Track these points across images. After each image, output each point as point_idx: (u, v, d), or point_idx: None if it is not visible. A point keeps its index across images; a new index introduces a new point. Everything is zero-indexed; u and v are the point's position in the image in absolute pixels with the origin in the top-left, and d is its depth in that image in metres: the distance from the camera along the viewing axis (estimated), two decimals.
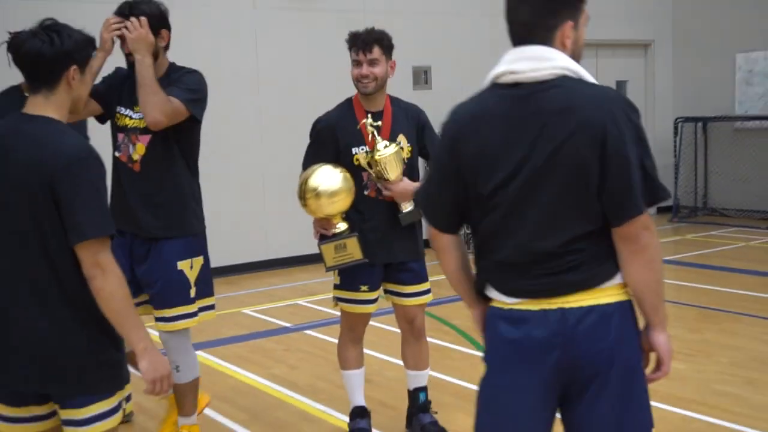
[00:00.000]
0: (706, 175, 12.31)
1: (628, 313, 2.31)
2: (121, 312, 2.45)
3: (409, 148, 4.14)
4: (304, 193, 3.90)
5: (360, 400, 4.33)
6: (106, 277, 2.42)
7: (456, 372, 5.43)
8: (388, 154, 3.96)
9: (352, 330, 4.31)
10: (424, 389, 4.39)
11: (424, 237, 3.77)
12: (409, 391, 4.44)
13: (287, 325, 6.89)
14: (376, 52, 4.01)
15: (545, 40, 2.31)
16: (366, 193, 4.07)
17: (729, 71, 11.86)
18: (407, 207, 4.08)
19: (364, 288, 4.13)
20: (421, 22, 10.31)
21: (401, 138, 4.12)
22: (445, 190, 2.40)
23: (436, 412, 4.47)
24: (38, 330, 2.48)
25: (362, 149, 4.04)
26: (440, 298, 7.69)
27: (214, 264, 9.14)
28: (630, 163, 2.21)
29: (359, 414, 4.31)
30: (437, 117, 11.48)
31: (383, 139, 4.03)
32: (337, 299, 4.24)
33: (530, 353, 2.27)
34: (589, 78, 2.29)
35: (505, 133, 2.28)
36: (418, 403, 4.38)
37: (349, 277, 4.13)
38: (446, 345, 6.11)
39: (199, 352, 6.11)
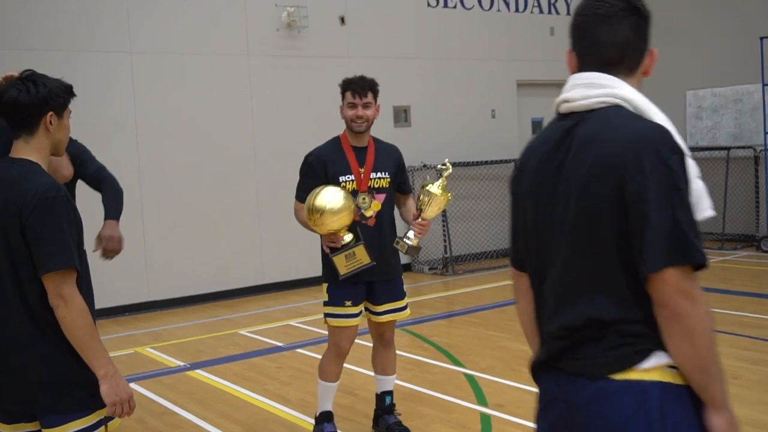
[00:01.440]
0: None
1: (669, 395, 1.78)
2: (82, 339, 2.45)
3: (388, 180, 4.30)
4: (311, 214, 3.97)
5: (328, 406, 4.42)
6: (68, 307, 2.43)
7: (434, 386, 5.41)
8: (438, 193, 4.15)
9: (338, 346, 4.35)
10: (390, 393, 4.52)
11: None
12: (376, 395, 4.56)
13: (280, 344, 6.85)
14: (369, 96, 4.24)
15: (615, 66, 1.91)
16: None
17: (680, 107, 11.98)
18: (414, 241, 4.20)
19: (348, 303, 4.25)
20: (401, 66, 10.38)
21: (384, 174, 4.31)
22: (514, 222, 2.06)
23: (400, 414, 4.58)
24: (19, 354, 2.49)
25: (349, 178, 4.18)
26: (420, 317, 7.71)
27: (215, 289, 9.20)
28: (647, 212, 1.71)
29: (326, 418, 4.41)
30: (416, 152, 11.63)
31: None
32: (327, 315, 4.31)
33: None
34: (650, 111, 1.89)
35: (542, 170, 1.91)
36: (384, 405, 4.52)
37: (336, 295, 4.25)
38: (426, 360, 6.09)
39: (198, 371, 6.11)
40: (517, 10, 11.56)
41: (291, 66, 9.38)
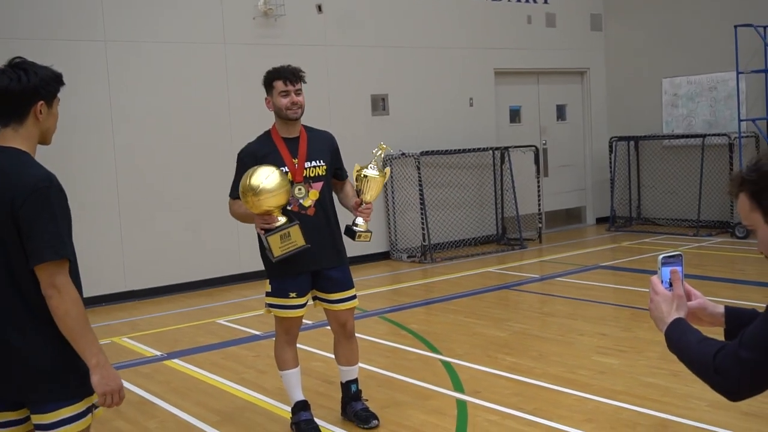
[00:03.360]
0: (639, 188, 12.48)
1: None
2: (74, 329, 2.45)
3: (324, 168, 4.31)
4: (245, 192, 3.95)
5: (300, 396, 4.43)
6: (61, 297, 2.42)
7: (411, 372, 5.44)
8: (373, 175, 4.17)
9: (287, 333, 4.40)
10: (355, 381, 4.56)
11: None
12: (342, 384, 4.58)
13: (257, 333, 6.85)
14: (299, 83, 4.26)
15: None
16: (289, 207, 4.17)
17: (657, 95, 12.06)
18: (364, 227, 4.26)
19: (292, 295, 4.25)
20: (379, 55, 10.37)
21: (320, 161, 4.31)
22: None
23: (366, 400, 4.60)
24: (10, 344, 2.49)
25: (284, 169, 4.15)
26: (399, 305, 7.74)
27: (193, 278, 9.17)
28: None
29: (302, 407, 4.41)
30: (395, 139, 11.61)
31: (366, 166, 4.22)
32: (269, 305, 4.33)
33: None
34: None
35: None
36: (351, 393, 4.55)
37: (280, 286, 4.26)
38: (403, 347, 6.12)
39: (175, 360, 6.10)
40: None
41: (268, 54, 9.31)
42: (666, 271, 2.11)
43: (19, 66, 2.51)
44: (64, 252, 2.44)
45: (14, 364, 2.49)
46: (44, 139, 2.63)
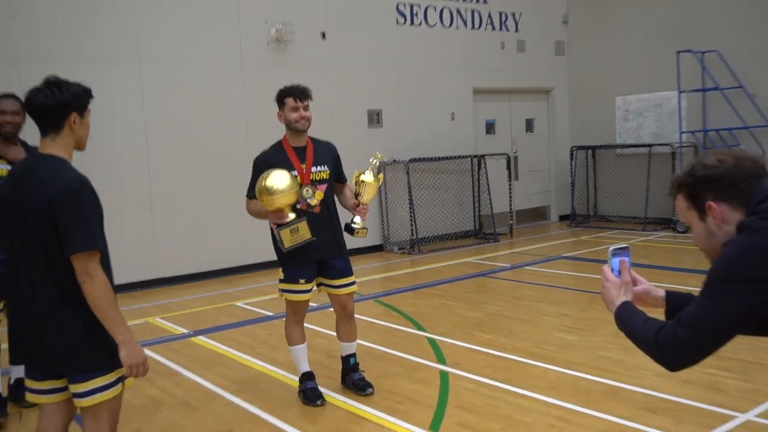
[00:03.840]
0: (595, 190, 12.51)
1: None
2: (105, 311, 2.46)
3: (328, 172, 4.34)
4: (261, 192, 3.99)
5: (306, 367, 4.46)
6: (93, 282, 2.44)
7: (401, 347, 5.45)
8: (369, 180, 4.23)
9: (296, 314, 4.43)
10: (353, 355, 4.58)
11: None
12: (342, 357, 4.61)
13: (270, 314, 6.85)
14: (307, 100, 4.29)
15: None
16: (298, 206, 4.20)
17: (611, 110, 12.08)
18: (360, 224, 4.30)
19: (302, 281, 4.29)
20: (374, 75, 10.36)
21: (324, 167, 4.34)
22: None
23: (363, 371, 4.62)
24: (47, 323, 2.51)
25: (293, 173, 4.17)
26: (391, 290, 7.75)
27: (216, 266, 9.16)
28: None
29: (308, 377, 4.44)
30: (387, 149, 11.57)
31: (364, 172, 4.29)
32: (282, 290, 4.37)
33: None
34: None
35: None
36: (350, 365, 4.58)
37: (291, 273, 4.30)
38: (394, 326, 6.13)
39: (200, 337, 6.10)
40: (473, 27, 11.57)
41: (279, 75, 9.27)
42: (615, 261, 2.12)
43: (53, 83, 2.53)
44: (95, 244, 2.46)
45: (54, 341, 2.51)
46: (79, 146, 2.63)
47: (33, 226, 2.46)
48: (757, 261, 1.77)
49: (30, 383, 2.62)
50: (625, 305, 2.07)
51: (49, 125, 2.53)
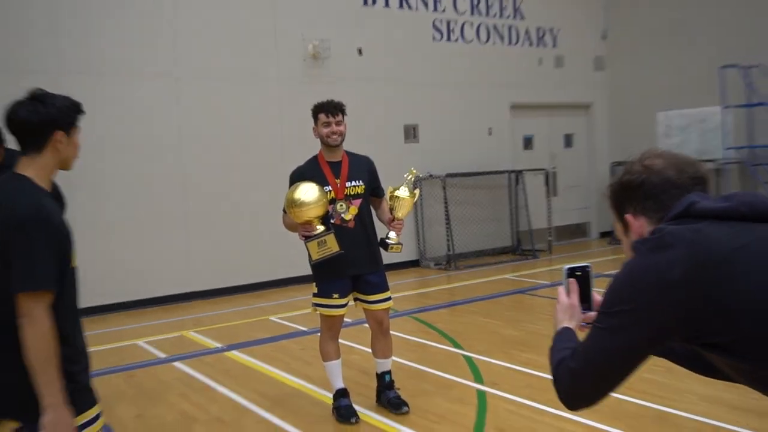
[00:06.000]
0: None
1: None
2: (39, 363, 2.08)
3: (363, 187, 4.29)
4: (289, 205, 3.99)
5: (341, 384, 4.38)
6: (31, 328, 2.08)
7: (437, 365, 5.34)
8: (404, 196, 4.19)
9: (330, 329, 4.35)
10: (389, 372, 4.49)
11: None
12: (377, 374, 4.52)
13: (304, 329, 6.80)
14: (340, 115, 4.27)
15: None
16: (332, 221, 4.16)
17: (652, 126, 11.84)
18: (395, 239, 4.23)
19: (336, 296, 4.23)
20: (410, 90, 10.32)
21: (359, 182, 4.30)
22: None
23: (398, 389, 4.52)
24: (3, 363, 2.18)
25: (327, 189, 4.16)
26: (426, 306, 7.64)
27: (249, 281, 9.16)
28: None
29: (342, 394, 4.37)
30: (423, 164, 11.50)
31: (397, 187, 4.23)
32: (315, 305, 4.31)
33: None
34: None
35: None
36: (384, 382, 4.49)
37: (325, 288, 4.25)
38: (430, 343, 6.02)
39: (234, 352, 6.06)
40: (510, 43, 11.48)
41: (315, 90, 9.29)
42: (567, 281, 1.89)
43: (37, 98, 2.24)
44: (41, 284, 2.10)
45: (6, 383, 2.18)
46: (64, 166, 2.31)
47: None
48: (639, 288, 1.52)
49: None
50: (561, 332, 1.80)
51: (31, 143, 2.23)
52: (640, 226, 1.64)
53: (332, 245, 4.04)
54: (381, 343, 4.44)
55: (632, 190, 1.66)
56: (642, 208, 1.64)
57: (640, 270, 1.53)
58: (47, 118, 2.21)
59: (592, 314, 1.83)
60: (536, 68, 11.71)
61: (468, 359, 5.48)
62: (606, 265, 9.67)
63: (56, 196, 2.33)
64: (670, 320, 1.52)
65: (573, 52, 12.15)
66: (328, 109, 4.24)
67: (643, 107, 11.96)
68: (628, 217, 1.66)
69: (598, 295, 1.84)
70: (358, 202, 4.25)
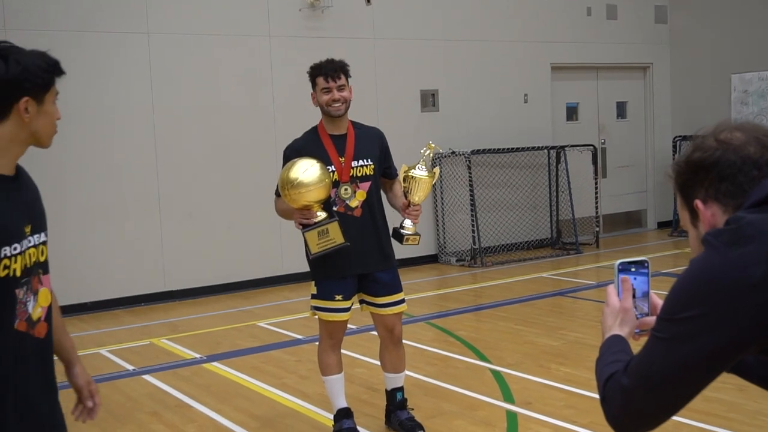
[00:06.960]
0: None
1: None
2: None
3: (372, 167, 4.29)
4: (284, 185, 3.97)
5: (343, 403, 4.44)
6: None
7: (458, 381, 5.41)
8: (422, 176, 4.15)
9: (331, 337, 4.40)
10: (401, 389, 4.54)
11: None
12: (387, 391, 4.57)
13: (299, 337, 6.90)
14: (342, 78, 4.24)
15: None
16: (335, 208, 4.19)
17: (725, 92, 11.83)
18: (412, 229, 4.26)
19: (338, 297, 4.26)
20: (429, 48, 10.35)
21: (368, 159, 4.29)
22: None
23: (412, 409, 4.58)
24: None
25: (329, 169, 4.14)
26: (446, 311, 7.72)
27: (234, 279, 9.25)
28: None
29: (344, 415, 4.42)
30: (445, 136, 11.55)
31: (409, 166, 4.20)
32: (314, 308, 4.35)
33: None
34: None
35: None
36: (396, 402, 4.53)
37: (325, 288, 4.28)
38: (450, 355, 6.10)
39: (214, 363, 6.17)
40: None
41: (314, 47, 9.37)
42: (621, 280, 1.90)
43: (1, 52, 2.05)
44: None
45: None
46: (38, 142, 2.16)
47: None
48: (712, 290, 1.52)
49: None
50: (609, 340, 1.82)
51: None
52: (713, 214, 1.64)
53: (335, 236, 4.03)
54: (392, 354, 4.49)
55: (704, 171, 1.64)
56: (715, 192, 1.63)
57: (712, 268, 1.54)
58: (8, 80, 2.02)
59: (650, 319, 1.84)
60: (583, 20, 11.70)
61: (496, 374, 5.55)
62: (666, 262, 9.71)
63: (18, 185, 2.16)
64: (749, 328, 1.52)
65: (629, 0, 12.13)
66: (328, 72, 4.23)
67: (714, 69, 11.94)
68: (698, 203, 1.66)
69: (657, 297, 1.86)
70: (366, 185, 4.27)
